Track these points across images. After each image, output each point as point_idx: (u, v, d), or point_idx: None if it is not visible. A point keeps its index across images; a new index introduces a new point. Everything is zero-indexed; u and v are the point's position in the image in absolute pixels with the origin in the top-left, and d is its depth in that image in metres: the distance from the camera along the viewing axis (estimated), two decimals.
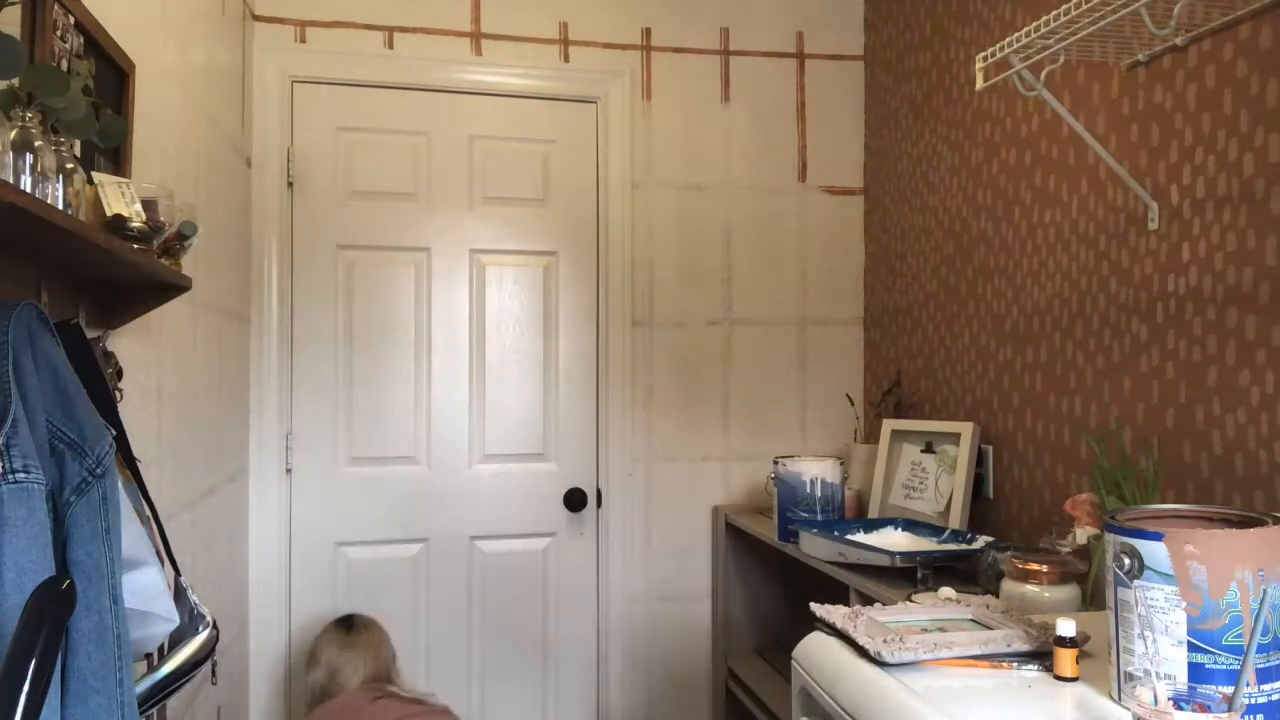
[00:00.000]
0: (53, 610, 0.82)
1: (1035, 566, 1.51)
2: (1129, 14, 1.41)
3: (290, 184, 2.55)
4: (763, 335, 2.86)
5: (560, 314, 2.73)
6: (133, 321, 1.46)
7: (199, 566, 1.93)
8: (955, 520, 2.15)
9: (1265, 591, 0.92)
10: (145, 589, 1.09)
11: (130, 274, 1.28)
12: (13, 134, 0.93)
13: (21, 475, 0.84)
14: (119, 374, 1.40)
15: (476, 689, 2.66)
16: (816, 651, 1.27)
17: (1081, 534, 1.61)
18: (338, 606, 2.54)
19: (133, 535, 1.07)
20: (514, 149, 2.70)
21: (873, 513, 2.46)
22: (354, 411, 2.59)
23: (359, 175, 2.60)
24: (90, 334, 1.24)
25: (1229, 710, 0.82)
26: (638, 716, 2.76)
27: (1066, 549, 1.59)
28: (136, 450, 1.34)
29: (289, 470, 2.55)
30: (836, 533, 2.10)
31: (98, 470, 0.95)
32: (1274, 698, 0.93)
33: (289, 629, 2.54)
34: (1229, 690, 0.86)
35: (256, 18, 2.52)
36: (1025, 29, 1.55)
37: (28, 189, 0.94)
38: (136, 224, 1.19)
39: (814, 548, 2.11)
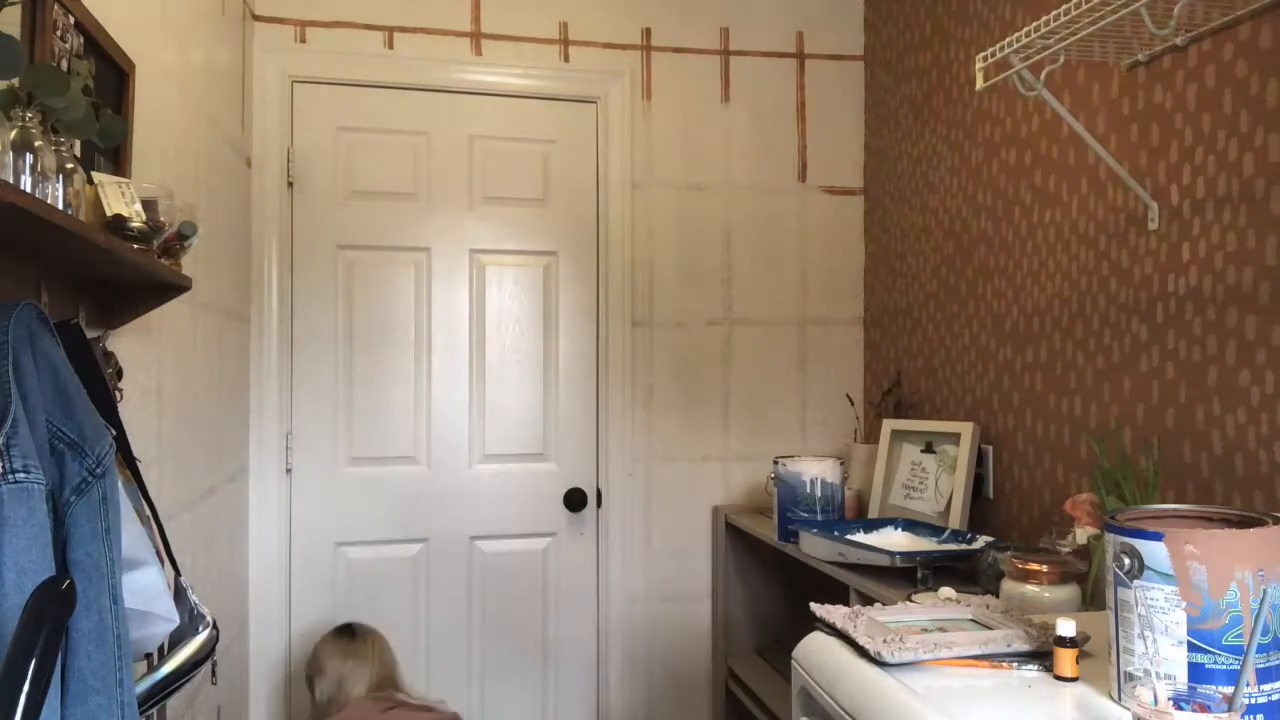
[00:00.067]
0: (53, 610, 0.82)
1: (1035, 566, 1.51)
2: (1129, 14, 1.41)
3: (290, 184, 2.55)
4: (763, 335, 2.86)
5: (560, 314, 2.73)
6: (133, 321, 1.46)
7: (199, 566, 1.93)
8: (955, 520, 2.15)
9: (1265, 591, 0.92)
10: (145, 589, 1.09)
11: (130, 274, 1.28)
12: (13, 134, 0.93)
13: (21, 475, 0.84)
14: (119, 374, 1.40)
15: (476, 689, 2.66)
16: (816, 651, 1.27)
17: (1081, 534, 1.61)
18: (338, 606, 2.55)
19: (133, 535, 1.07)
20: (514, 149, 2.70)
21: (873, 513, 2.46)
22: (354, 411, 2.59)
23: (359, 175, 2.60)
24: (90, 334, 1.24)
25: (1229, 710, 0.82)
26: (638, 716, 2.76)
27: (1066, 549, 1.59)
28: (136, 450, 1.34)
29: (289, 470, 2.55)
30: (836, 533, 2.10)
31: (98, 470, 0.96)
32: (1274, 698, 0.93)
33: (289, 629, 2.54)
34: (1229, 690, 0.86)
35: (256, 18, 2.52)
36: (1025, 29, 1.55)
37: (28, 189, 0.94)
38: (136, 224, 1.19)
39: (814, 548, 2.11)
